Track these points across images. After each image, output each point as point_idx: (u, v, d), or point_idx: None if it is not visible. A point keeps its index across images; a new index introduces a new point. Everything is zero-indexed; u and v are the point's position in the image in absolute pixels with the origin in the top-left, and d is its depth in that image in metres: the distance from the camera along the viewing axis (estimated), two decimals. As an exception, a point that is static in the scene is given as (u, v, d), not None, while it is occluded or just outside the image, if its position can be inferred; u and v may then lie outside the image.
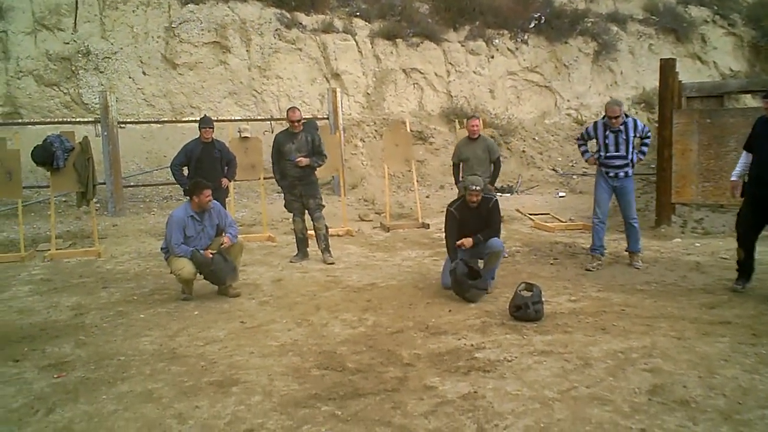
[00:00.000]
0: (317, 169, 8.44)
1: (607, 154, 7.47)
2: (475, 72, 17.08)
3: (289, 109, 8.37)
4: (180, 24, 14.89)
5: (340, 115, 13.60)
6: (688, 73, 18.11)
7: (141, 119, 14.12)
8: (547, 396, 4.16)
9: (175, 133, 14.20)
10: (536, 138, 16.63)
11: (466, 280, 6.39)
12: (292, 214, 8.53)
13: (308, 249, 8.59)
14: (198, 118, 13.40)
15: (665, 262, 7.85)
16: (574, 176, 15.38)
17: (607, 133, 7.42)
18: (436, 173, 15.03)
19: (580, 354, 4.86)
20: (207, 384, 4.53)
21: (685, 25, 18.74)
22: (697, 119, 9.08)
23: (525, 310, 5.66)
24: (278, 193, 13.50)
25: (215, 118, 12.34)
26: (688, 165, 9.07)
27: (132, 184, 12.69)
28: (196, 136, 8.54)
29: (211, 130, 8.46)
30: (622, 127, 7.36)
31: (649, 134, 7.53)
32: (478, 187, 6.69)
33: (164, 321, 6.02)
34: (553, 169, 15.70)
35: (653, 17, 18.86)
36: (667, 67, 9.36)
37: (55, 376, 4.76)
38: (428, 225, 10.75)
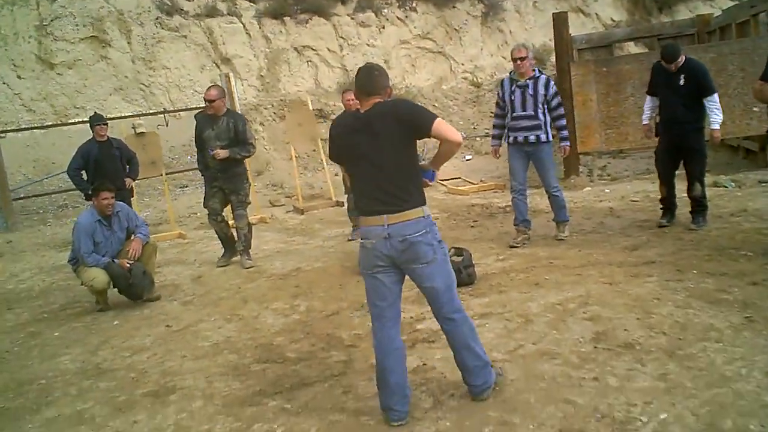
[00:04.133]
0: (244, 160, 7.35)
1: (513, 114, 6.59)
2: (368, 44, 16.90)
3: (209, 87, 7.29)
4: (52, 21, 13.95)
5: (236, 100, 13.08)
6: (574, 27, 18.49)
7: (22, 126, 13.18)
8: (496, 358, 4.13)
9: (61, 137, 13.34)
10: (436, 104, 16.67)
11: None
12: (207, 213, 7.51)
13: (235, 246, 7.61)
14: (86, 119, 12.82)
15: (580, 211, 8.03)
16: (477, 138, 15.55)
17: (513, 88, 6.60)
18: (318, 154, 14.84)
19: (519, 312, 4.87)
20: (142, 396, 4.25)
21: (565, -20, 19.21)
22: (594, 69, 9.31)
23: (458, 275, 5.57)
24: (181, 188, 13.02)
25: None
26: (589, 115, 9.29)
27: (22, 196, 11.85)
28: (90, 137, 8.00)
29: (105, 126, 7.95)
30: (529, 82, 6.50)
31: (558, 99, 6.63)
32: None
33: (82, 336, 5.62)
34: (456, 133, 15.80)
35: (534, -26, 19.22)
36: (559, 21, 9.53)
37: (-32, 412, 4.35)
38: (342, 203, 10.57)
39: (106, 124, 7.99)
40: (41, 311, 6.54)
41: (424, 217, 3.38)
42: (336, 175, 13.29)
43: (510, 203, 7.26)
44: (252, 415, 3.80)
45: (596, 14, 19.57)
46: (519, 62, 6.57)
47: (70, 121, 12.91)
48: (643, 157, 12.10)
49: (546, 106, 6.57)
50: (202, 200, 7.56)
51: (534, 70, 6.62)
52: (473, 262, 5.78)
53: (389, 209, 3.33)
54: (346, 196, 8.27)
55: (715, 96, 6.41)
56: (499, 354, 4.20)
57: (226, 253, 7.56)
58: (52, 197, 12.27)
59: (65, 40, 13.98)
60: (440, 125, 3.26)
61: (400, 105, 3.44)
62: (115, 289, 6.22)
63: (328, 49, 16.49)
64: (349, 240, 8.05)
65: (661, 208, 6.88)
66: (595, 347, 4.11)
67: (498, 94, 6.99)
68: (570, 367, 3.87)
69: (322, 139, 11.13)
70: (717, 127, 6.43)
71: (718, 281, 4.99)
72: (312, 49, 16.34)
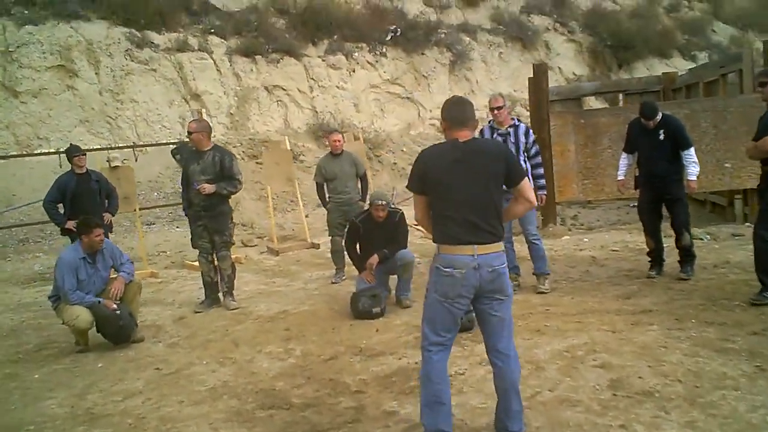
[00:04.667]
0: (229, 197, 7.10)
1: None
2: (338, 86, 17.01)
3: (192, 121, 7.15)
4: (18, 47, 13.64)
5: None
6: (536, 78, 19.21)
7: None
8: (514, 406, 4.07)
9: (22, 168, 12.97)
10: (404, 149, 16.80)
11: (370, 310, 6.26)
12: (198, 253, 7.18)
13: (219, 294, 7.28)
14: (50, 150, 12.46)
15: (563, 259, 8.11)
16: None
17: (495, 136, 6.57)
18: (311, 192, 14.57)
19: (527, 358, 4.81)
20: (143, 444, 4.03)
21: (530, 33, 19.81)
22: (572, 120, 9.52)
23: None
24: (148, 225, 12.71)
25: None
26: (567, 164, 9.46)
27: (-21, 228, 11.38)
28: (68, 170, 7.75)
29: (84, 157, 7.69)
30: (511, 130, 6.53)
31: (536, 147, 6.70)
32: (383, 202, 6.57)
33: (65, 379, 5.33)
34: (425, 178, 15.90)
35: (500, 27, 19.75)
36: (539, 72, 9.75)
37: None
38: (318, 245, 10.47)
39: (85, 155, 7.74)
40: (15, 351, 6.20)
41: (503, 251, 3.53)
42: (306, 216, 13.21)
43: None
44: (268, 465, 3.63)
45: (559, 68, 20.17)
46: (496, 111, 6.59)
47: (33, 153, 12.54)
48: (611, 208, 12.41)
49: (525, 155, 6.59)
50: (190, 240, 7.25)
51: (513, 119, 6.72)
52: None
53: (479, 240, 3.42)
54: (330, 237, 8.17)
55: (692, 149, 6.65)
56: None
57: (207, 299, 7.19)
58: (12, 231, 11.80)
59: (31, 67, 13.70)
60: (526, 184, 3.61)
61: (504, 150, 3.69)
62: (97, 331, 5.94)
63: (299, 90, 16.54)
64: (332, 283, 7.94)
65: (649, 261, 6.97)
66: (614, 395, 4.09)
67: None
68: (594, 415, 3.84)
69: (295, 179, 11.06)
70: (694, 178, 6.65)
71: (719, 331, 5.05)
72: (282, 88, 16.36)
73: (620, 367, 4.51)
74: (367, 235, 6.67)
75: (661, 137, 6.56)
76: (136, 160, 12.40)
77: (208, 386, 4.91)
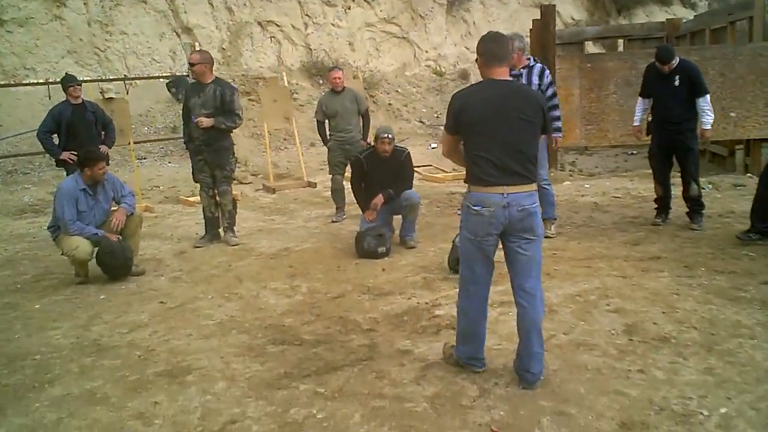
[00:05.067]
0: (229, 131, 6.89)
1: None
2: (333, 24, 16.61)
3: (193, 52, 6.89)
4: (4, -25, 13.10)
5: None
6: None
7: (-36, 84, 12.34)
8: (530, 347, 4.05)
9: (9, 99, 12.65)
10: (399, 90, 16.57)
11: (376, 249, 6.19)
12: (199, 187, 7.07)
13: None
14: (36, 81, 12.10)
15: (565, 204, 8.05)
16: (441, 127, 15.48)
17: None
18: (304, 130, 14.45)
19: (539, 301, 4.79)
20: (155, 376, 3.96)
21: (528, -24, 19.36)
22: (578, 64, 9.33)
23: (467, 261, 5.51)
24: (140, 159, 12.47)
25: (56, 79, 11.13)
26: (571, 109, 9.31)
27: (-33, 158, 11.11)
28: (62, 100, 7.48)
29: (80, 87, 7.43)
30: (523, 71, 6.27)
31: (553, 89, 6.40)
32: (389, 135, 6.44)
33: (67, 309, 5.24)
34: (420, 121, 15.74)
35: (500, -32, 19.29)
36: (547, 13, 9.53)
37: (-42, 389, 3.97)
38: (315, 184, 10.35)
39: (80, 84, 7.48)
40: (13, 281, 6.09)
41: (535, 191, 3.48)
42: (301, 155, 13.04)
43: None
44: (284, 399, 3.58)
45: (558, 12, 19.70)
46: None
47: (20, 83, 12.19)
48: (609, 155, 12.35)
49: None
50: (191, 174, 7.11)
51: (528, 59, 6.45)
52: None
53: (511, 182, 3.37)
54: (331, 176, 8.03)
55: (708, 96, 6.50)
56: (532, 343, 4.11)
57: (207, 234, 7.08)
58: (0, 162, 11.53)
59: (17, -5, 13.17)
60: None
61: (540, 98, 3.60)
62: (97, 263, 5.84)
63: (293, 26, 16.14)
64: (333, 222, 7.85)
65: (655, 208, 6.93)
66: (630, 339, 4.07)
67: None
68: (611, 359, 3.82)
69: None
70: (708, 126, 6.53)
71: (729, 279, 5.04)
72: (276, 24, 15.95)
73: (634, 312, 4.49)
74: (372, 173, 6.55)
75: (677, 83, 6.42)
76: (127, 93, 12.10)
77: (216, 320, 4.84)
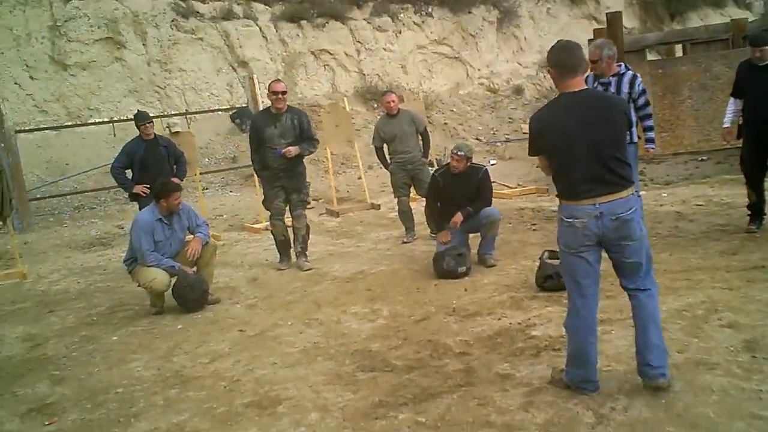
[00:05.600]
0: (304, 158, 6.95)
1: None
2: (384, 49, 16.57)
3: (273, 81, 6.90)
4: (66, 22, 13.45)
5: (259, 102, 12.69)
6: (587, 34, 18.51)
7: (34, 127, 12.64)
8: (643, 366, 3.74)
9: (74, 138, 12.92)
10: (454, 109, 16.37)
11: (456, 269, 5.95)
12: (269, 214, 7.01)
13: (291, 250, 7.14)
14: (100, 119, 12.34)
15: (647, 215, 7.62)
16: (498, 143, 15.23)
17: (596, 85, 6.19)
18: (362, 154, 14.42)
19: (642, 315, 4.48)
20: (243, 407, 3.80)
21: (579, -12, 19.07)
22: (649, 71, 8.99)
23: (557, 279, 5.21)
24: (204, 190, 12.53)
25: (119, 118, 11.30)
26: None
27: (38, 197, 11.31)
28: (135, 136, 7.53)
29: (151, 125, 7.46)
30: (613, 79, 5.96)
31: (645, 98, 6.07)
32: (461, 152, 6.20)
33: (146, 341, 5.15)
34: (477, 138, 15.49)
35: (549, -18, 19.05)
36: (614, 21, 9.23)
37: (45, 423, 3.88)
38: (379, 206, 10.18)
39: (152, 122, 7.51)
40: (88, 314, 6.05)
41: (633, 194, 3.35)
42: (359, 178, 12.92)
43: None
44: (384, 430, 3.36)
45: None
46: (592, 65, 6.10)
47: (85, 122, 12.44)
48: (677, 162, 11.83)
49: (632, 104, 5.99)
50: (263, 201, 7.10)
51: (619, 66, 6.18)
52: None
53: (601, 192, 3.28)
54: (396, 198, 7.80)
55: None
56: (644, 361, 3.80)
57: (284, 257, 7.05)
58: (68, 198, 11.75)
59: (79, 41, 13.53)
60: None
61: (622, 103, 3.67)
62: (174, 296, 5.77)
63: (345, 53, 16.15)
64: (404, 242, 7.64)
65: (748, 214, 6.48)
66: (754, 357, 3.72)
67: None
68: (737, 379, 3.47)
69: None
70: None
71: None
72: (329, 53, 15.99)
73: (750, 327, 4.13)
74: (447, 190, 6.34)
75: None
76: (189, 127, 12.22)
77: (299, 348, 4.67)
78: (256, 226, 9.37)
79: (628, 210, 3.29)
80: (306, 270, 6.80)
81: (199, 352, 4.78)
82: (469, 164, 6.25)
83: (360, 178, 13.13)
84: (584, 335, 3.46)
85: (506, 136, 15.47)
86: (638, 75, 6.13)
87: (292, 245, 7.05)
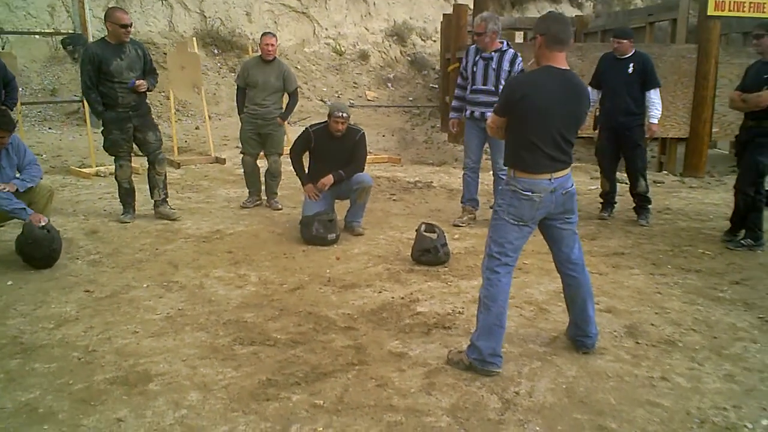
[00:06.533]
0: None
1: (473, 87, 6.19)
2: (230, -8, 15.60)
3: (117, 9, 6.06)
4: None
5: (90, 31, 11.38)
6: (434, 9, 18.75)
7: None
8: (537, 350, 3.74)
9: None
10: (299, 66, 15.82)
11: (326, 236, 5.68)
12: (114, 158, 6.31)
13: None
14: None
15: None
16: (342, 108, 14.99)
17: (477, 59, 6.15)
18: (199, 102, 13.54)
19: (524, 298, 4.51)
20: (107, 383, 3.27)
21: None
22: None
23: (435, 253, 5.13)
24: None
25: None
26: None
27: None
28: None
29: None
30: (495, 54, 6.06)
31: None
32: (344, 114, 5.87)
33: (-33, 298, 4.35)
34: (321, 100, 15.14)
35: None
36: (460, 10, 9.24)
37: None
38: (224, 159, 9.56)
39: None
40: None
41: (571, 172, 3.52)
42: (196, 128, 12.12)
43: (421, 179, 7.36)
44: (279, 413, 3.03)
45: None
46: (476, 37, 6.17)
47: None
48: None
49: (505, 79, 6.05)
50: (104, 145, 6.24)
51: (501, 43, 6.19)
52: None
53: (557, 168, 3.37)
54: (242, 156, 7.10)
55: (658, 90, 6.49)
56: (537, 346, 3.80)
57: (128, 208, 6.38)
58: None
59: None
60: None
61: (588, 94, 3.54)
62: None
63: (187, -10, 14.97)
64: (242, 207, 7.04)
65: (601, 202, 6.85)
66: (637, 343, 3.85)
67: (461, 62, 6.49)
68: (628, 365, 3.56)
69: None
70: (656, 121, 6.51)
71: (701, 278, 4.98)
72: (169, -14, 14.74)
73: (627, 312, 4.29)
74: (320, 150, 5.99)
75: (630, 70, 6.35)
76: (2, 48, 10.70)
77: (162, 314, 4.15)
78: (85, 170, 8.40)
79: (572, 184, 3.47)
80: (175, 219, 6.38)
81: (39, 315, 4.10)
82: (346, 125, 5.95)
83: (197, 128, 12.36)
84: (503, 302, 3.46)
85: (350, 101, 15.26)
86: (519, 54, 6.17)
87: (135, 197, 6.40)
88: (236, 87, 7.24)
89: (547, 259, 5.24)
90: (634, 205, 6.66)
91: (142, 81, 6.02)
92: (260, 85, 6.90)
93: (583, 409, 3.13)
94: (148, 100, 6.37)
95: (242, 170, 7.29)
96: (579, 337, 3.69)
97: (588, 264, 5.03)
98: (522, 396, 3.23)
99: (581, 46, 9.49)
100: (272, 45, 6.93)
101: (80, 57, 6.09)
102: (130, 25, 5.98)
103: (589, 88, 6.67)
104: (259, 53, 7.06)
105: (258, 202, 7.16)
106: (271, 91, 6.96)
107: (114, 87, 5.94)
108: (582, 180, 8.49)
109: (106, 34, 6.05)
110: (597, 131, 6.81)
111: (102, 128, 6.21)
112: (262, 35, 7.06)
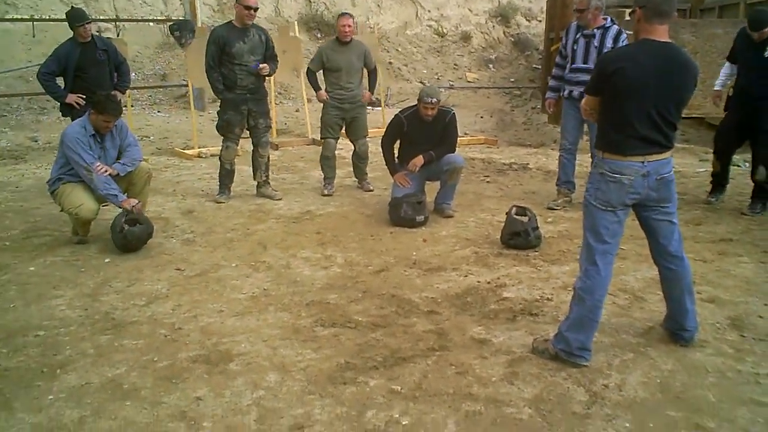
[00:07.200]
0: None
1: (573, 66, 5.92)
2: (334, -24, 15.67)
3: None
4: None
5: (199, 17, 11.73)
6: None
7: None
8: (630, 341, 3.50)
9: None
10: (399, 49, 15.76)
11: (414, 218, 5.55)
12: (223, 139, 6.39)
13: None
14: (18, 17, 11.11)
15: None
16: (442, 89, 14.79)
17: (578, 36, 5.88)
18: (299, 85, 13.72)
19: (618, 285, 4.24)
20: (189, 362, 3.31)
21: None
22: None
23: (525, 237, 4.92)
24: (131, 107, 11.58)
25: (40, 17, 10.18)
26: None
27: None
28: (69, 37, 6.45)
29: (90, 26, 6.36)
30: (597, 31, 5.75)
31: None
32: (434, 99, 5.69)
33: (69, 274, 4.53)
34: (421, 82, 14.98)
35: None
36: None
37: (-51, 369, 3.28)
38: (321, 142, 9.59)
39: (90, 23, 6.43)
40: (-1, 238, 5.35)
41: (672, 157, 3.22)
42: (297, 111, 12.27)
43: (517, 161, 7.23)
44: (355, 398, 2.97)
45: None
46: (578, 14, 5.88)
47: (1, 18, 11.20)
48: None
49: None
50: (217, 124, 6.42)
51: (605, 19, 5.84)
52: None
53: (651, 151, 3.10)
54: (323, 139, 7.01)
55: None
56: (630, 336, 3.55)
57: (225, 189, 6.53)
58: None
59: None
60: None
61: (695, 70, 3.13)
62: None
63: (291, -24, 15.17)
64: (324, 195, 6.84)
65: (711, 182, 6.37)
66: (742, 336, 3.54)
67: (561, 40, 6.20)
68: (731, 360, 3.28)
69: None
70: None
71: (822, 269, 4.54)
72: (274, -27, 14.98)
73: (732, 303, 3.96)
74: (411, 134, 5.88)
75: (766, 54, 5.75)
76: (118, 36, 11.20)
77: (247, 294, 4.19)
78: (188, 152, 8.68)
79: (669, 171, 3.18)
80: (278, 199, 6.58)
81: (132, 292, 4.23)
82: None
83: (298, 110, 12.53)
84: (600, 297, 3.22)
85: (450, 82, 15.03)
86: (624, 31, 5.80)
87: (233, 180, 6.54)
88: (308, 70, 7.06)
89: (645, 244, 4.93)
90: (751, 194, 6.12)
91: (265, 65, 6.16)
92: (344, 68, 6.73)
93: (678, 405, 2.89)
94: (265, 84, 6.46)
95: (322, 155, 7.08)
96: (676, 331, 3.45)
97: (692, 250, 4.79)
98: (611, 389, 3.03)
99: (695, 22, 8.87)
100: (349, 26, 6.74)
101: (207, 38, 6.21)
102: (256, 9, 6.09)
103: (726, 63, 6.25)
104: (335, 36, 6.93)
105: (333, 189, 6.97)
106: (354, 72, 6.82)
107: (234, 69, 6.10)
108: (690, 162, 7.94)
109: (234, 18, 6.22)
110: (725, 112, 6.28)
111: (219, 109, 6.39)
112: (339, 16, 6.93)
